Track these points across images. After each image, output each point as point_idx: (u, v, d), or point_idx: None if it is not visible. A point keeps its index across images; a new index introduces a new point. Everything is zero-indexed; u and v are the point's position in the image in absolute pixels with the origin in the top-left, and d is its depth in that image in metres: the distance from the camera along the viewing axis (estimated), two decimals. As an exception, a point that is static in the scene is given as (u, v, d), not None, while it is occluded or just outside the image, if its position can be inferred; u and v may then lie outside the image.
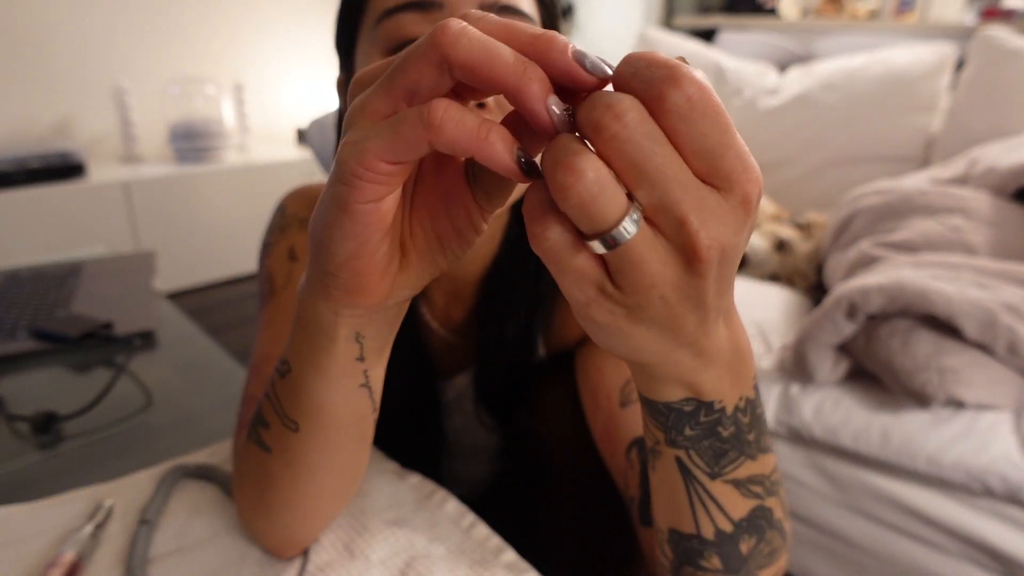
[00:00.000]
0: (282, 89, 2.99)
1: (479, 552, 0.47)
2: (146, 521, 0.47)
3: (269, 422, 0.39)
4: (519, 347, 0.60)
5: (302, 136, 2.90)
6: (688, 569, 0.35)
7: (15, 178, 2.09)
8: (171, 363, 0.76)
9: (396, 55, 0.24)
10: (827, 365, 1.09)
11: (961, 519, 0.98)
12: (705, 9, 3.27)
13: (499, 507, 0.60)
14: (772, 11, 2.97)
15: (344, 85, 0.53)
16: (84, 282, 0.97)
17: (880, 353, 1.03)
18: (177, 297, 2.44)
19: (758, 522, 0.34)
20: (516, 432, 0.63)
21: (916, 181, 1.44)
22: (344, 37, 0.50)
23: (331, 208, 0.26)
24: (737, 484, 0.32)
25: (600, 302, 0.24)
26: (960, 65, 1.73)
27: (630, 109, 0.21)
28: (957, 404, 1.01)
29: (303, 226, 0.58)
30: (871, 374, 1.09)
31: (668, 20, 3.17)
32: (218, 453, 0.57)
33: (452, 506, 0.51)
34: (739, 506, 0.33)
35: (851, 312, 1.05)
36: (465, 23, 0.22)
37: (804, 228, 1.58)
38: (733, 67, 1.98)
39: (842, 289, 1.08)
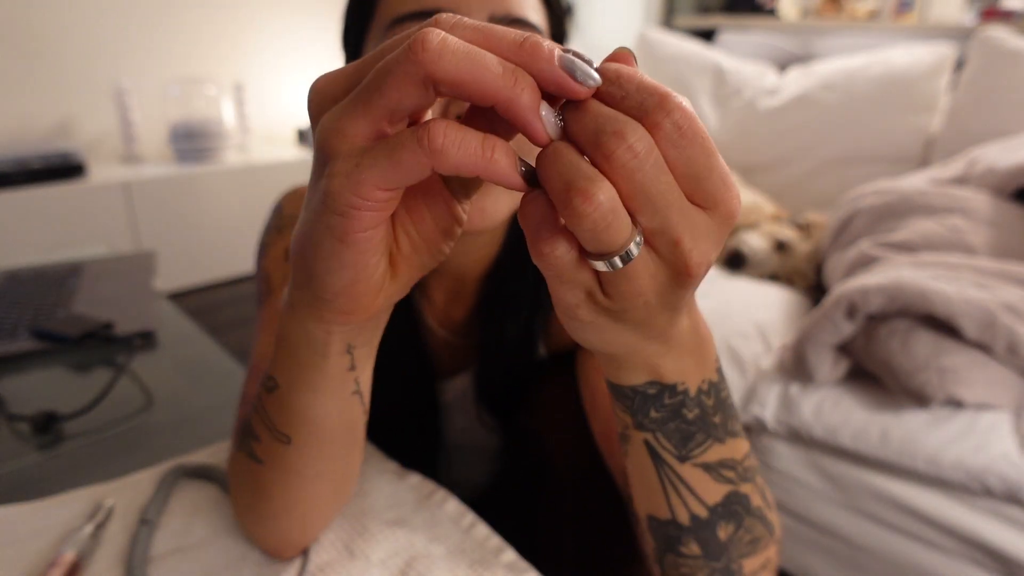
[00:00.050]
0: (282, 89, 2.99)
1: (479, 552, 0.47)
2: (146, 521, 0.47)
3: (259, 436, 0.38)
4: (520, 347, 0.60)
5: (302, 136, 2.90)
6: (670, 556, 0.36)
7: (15, 178, 2.09)
8: (171, 363, 0.76)
9: (362, 62, 0.24)
10: (827, 365, 1.09)
11: (960, 519, 0.98)
12: (705, 9, 3.27)
13: (499, 507, 0.60)
14: (772, 11, 2.97)
15: None
16: (84, 282, 0.97)
17: (880, 353, 1.03)
18: (177, 297, 2.44)
19: (734, 508, 0.35)
20: (516, 432, 0.63)
21: (916, 181, 1.44)
22: (351, 39, 0.50)
23: (325, 239, 0.25)
24: (708, 468, 0.33)
25: (588, 306, 0.25)
26: (960, 65, 1.73)
27: (642, 140, 0.21)
28: (956, 404, 1.02)
29: None
30: (871, 374, 1.09)
31: (668, 20, 3.17)
32: (218, 453, 0.57)
33: (452, 506, 0.51)
34: (712, 491, 0.34)
35: (851, 312, 1.05)
36: (443, 33, 0.21)
37: (804, 228, 1.58)
38: (733, 67, 1.98)
39: (842, 289, 1.08)
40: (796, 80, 1.86)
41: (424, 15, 0.43)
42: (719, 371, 0.33)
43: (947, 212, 1.28)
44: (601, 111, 0.21)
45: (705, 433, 0.32)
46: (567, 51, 0.22)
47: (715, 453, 0.33)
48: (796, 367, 1.11)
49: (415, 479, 0.54)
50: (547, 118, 0.22)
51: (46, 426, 0.62)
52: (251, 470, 0.40)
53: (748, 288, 1.45)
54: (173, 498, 0.51)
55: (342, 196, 0.23)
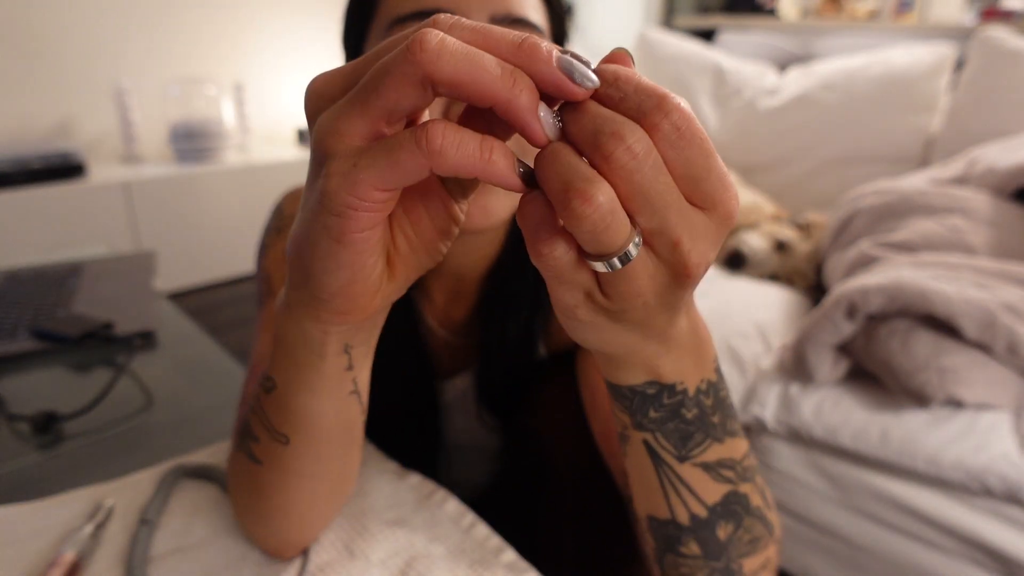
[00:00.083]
0: (282, 89, 2.99)
1: (479, 552, 0.47)
2: (146, 521, 0.47)
3: (258, 436, 0.38)
4: (520, 347, 0.60)
5: (302, 136, 2.90)
6: (670, 556, 0.36)
7: (15, 178, 2.09)
8: (171, 363, 0.76)
9: (359, 62, 0.24)
10: (827, 365, 1.09)
11: (960, 519, 0.98)
12: (705, 9, 3.27)
13: (499, 507, 0.60)
14: (772, 11, 2.97)
15: None
16: (84, 282, 0.97)
17: (880, 353, 1.03)
18: (177, 297, 2.44)
19: (733, 508, 0.35)
20: (516, 432, 0.63)
21: (916, 181, 1.44)
22: (352, 39, 0.50)
23: (322, 239, 0.25)
24: (707, 468, 0.33)
25: (586, 306, 0.25)
26: (960, 65, 1.73)
27: (640, 141, 0.21)
28: (956, 404, 1.02)
29: None
30: (871, 374, 1.09)
31: (668, 20, 3.17)
32: (218, 453, 0.57)
33: (452, 506, 0.51)
34: (711, 491, 0.34)
35: (851, 312, 1.05)
36: (441, 34, 0.21)
37: (804, 228, 1.58)
38: (733, 67, 1.98)
39: (842, 289, 1.08)
40: (796, 80, 1.86)
41: (425, 15, 0.43)
42: (718, 371, 0.33)
43: (947, 212, 1.28)
44: (600, 112, 0.21)
45: (704, 433, 0.32)
46: (565, 52, 0.22)
47: (714, 453, 0.33)
48: (796, 367, 1.11)
49: (415, 479, 0.54)
50: (545, 119, 0.22)
51: (46, 426, 0.62)
52: (250, 470, 0.40)
53: (748, 288, 1.45)
54: (173, 498, 0.51)
55: (339, 196, 0.23)
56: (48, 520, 0.49)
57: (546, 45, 0.21)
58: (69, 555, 0.43)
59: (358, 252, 0.25)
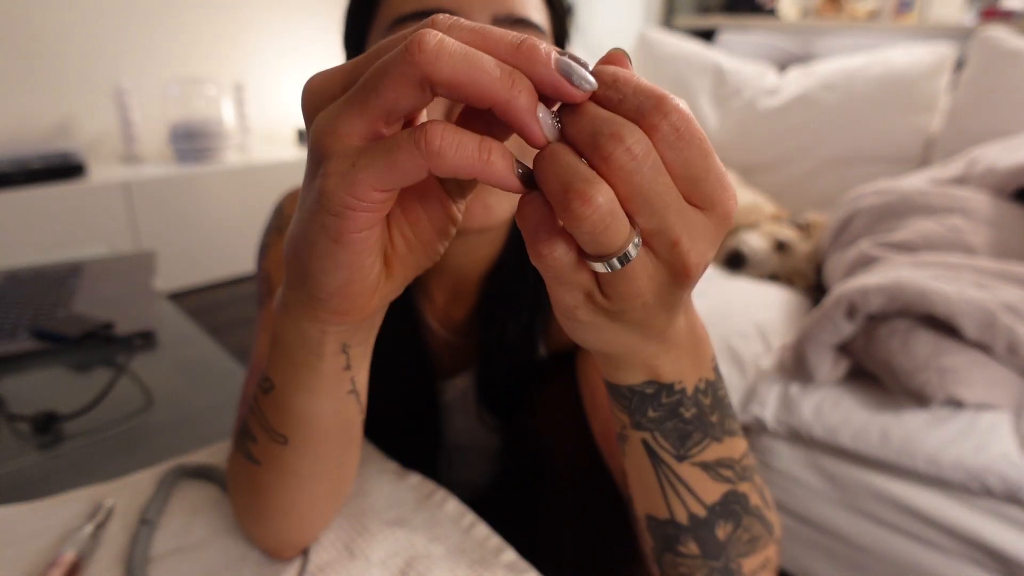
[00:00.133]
0: (282, 89, 2.99)
1: (479, 552, 0.47)
2: (146, 521, 0.47)
3: (257, 436, 0.38)
4: (520, 347, 0.60)
5: (302, 136, 2.90)
6: (669, 556, 0.36)
7: (15, 178, 2.09)
8: (171, 363, 0.76)
9: (357, 61, 0.24)
10: (827, 365, 1.09)
11: (960, 519, 0.98)
12: (705, 9, 3.27)
13: (499, 507, 0.60)
14: (772, 11, 2.97)
15: None
16: (84, 282, 0.97)
17: (880, 353, 1.03)
18: (177, 297, 2.44)
19: (732, 507, 0.35)
20: (516, 432, 0.63)
21: (916, 181, 1.44)
22: (352, 39, 0.50)
23: (320, 239, 0.25)
24: (706, 467, 0.33)
25: (586, 307, 0.25)
26: (960, 66, 1.73)
27: (639, 142, 0.21)
28: (956, 404, 1.02)
29: None
30: (871, 374, 1.09)
31: (668, 20, 3.17)
32: (218, 453, 0.57)
33: (452, 506, 0.51)
34: (710, 490, 0.34)
35: (851, 312, 1.05)
36: (440, 34, 0.21)
37: (804, 228, 1.58)
38: (733, 67, 1.98)
39: (842, 289, 1.08)
40: (796, 80, 1.86)
41: (425, 15, 0.43)
42: (716, 370, 0.33)
43: (947, 212, 1.28)
44: (599, 113, 0.21)
45: (703, 432, 0.32)
46: (564, 54, 0.22)
47: (713, 452, 0.33)
48: (796, 367, 1.11)
49: (415, 479, 0.54)
50: (544, 120, 0.22)
51: (46, 426, 0.62)
52: (249, 471, 0.40)
53: (748, 288, 1.45)
54: (173, 498, 0.51)
55: (337, 196, 0.23)
56: (48, 520, 0.49)
57: (545, 47, 0.21)
58: (69, 555, 0.43)
59: (356, 252, 0.25)
